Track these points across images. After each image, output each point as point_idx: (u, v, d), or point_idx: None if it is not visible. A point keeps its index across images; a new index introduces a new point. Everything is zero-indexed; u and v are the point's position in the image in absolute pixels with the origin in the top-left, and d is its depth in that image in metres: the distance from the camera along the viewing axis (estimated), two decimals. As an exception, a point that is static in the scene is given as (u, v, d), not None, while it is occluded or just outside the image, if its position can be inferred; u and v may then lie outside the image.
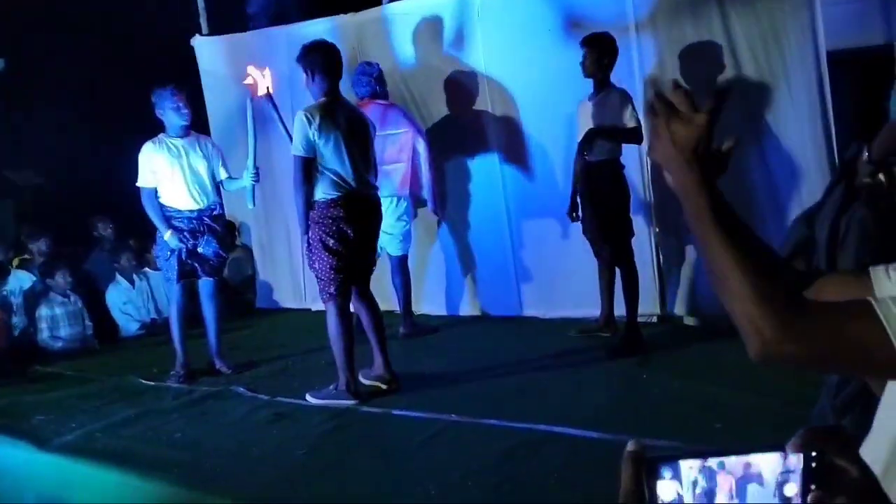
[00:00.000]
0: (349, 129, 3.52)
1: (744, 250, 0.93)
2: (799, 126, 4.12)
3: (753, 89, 4.22)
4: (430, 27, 5.18)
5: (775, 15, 4.09)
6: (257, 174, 4.21)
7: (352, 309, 3.70)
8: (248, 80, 4.08)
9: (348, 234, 3.51)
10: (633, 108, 4.04)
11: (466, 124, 5.11)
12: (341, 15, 5.56)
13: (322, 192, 3.49)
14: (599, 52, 4.05)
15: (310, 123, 3.43)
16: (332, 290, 3.53)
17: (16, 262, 6.02)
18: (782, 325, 0.89)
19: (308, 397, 3.64)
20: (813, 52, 4.03)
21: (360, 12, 5.48)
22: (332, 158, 3.47)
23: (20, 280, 5.73)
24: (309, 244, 3.56)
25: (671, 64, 4.36)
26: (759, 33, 4.15)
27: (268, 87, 4.02)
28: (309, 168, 3.47)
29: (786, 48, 4.09)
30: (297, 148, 3.47)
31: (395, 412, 3.39)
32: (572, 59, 4.24)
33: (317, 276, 3.58)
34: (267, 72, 4.09)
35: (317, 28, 5.61)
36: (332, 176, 3.48)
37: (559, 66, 4.67)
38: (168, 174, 4.18)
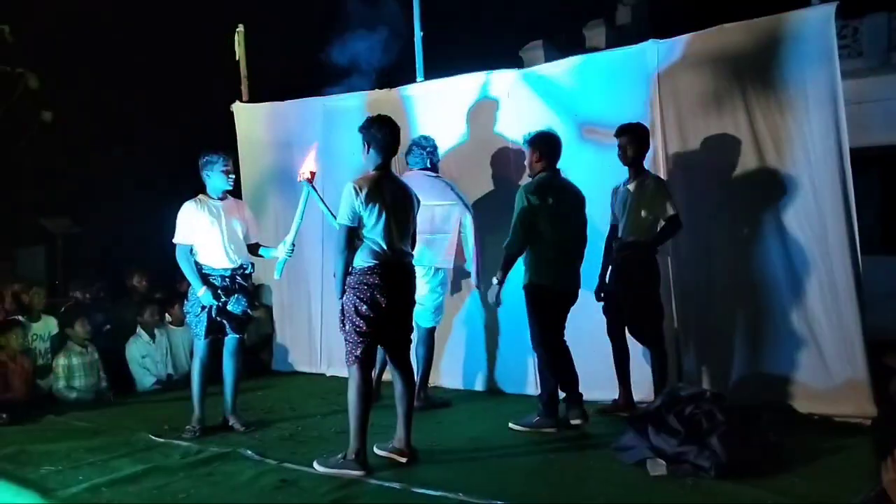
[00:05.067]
0: (393, 201, 3.65)
1: None
2: (821, 220, 4.12)
3: (777, 183, 4.26)
4: (461, 105, 5.32)
5: (799, 111, 4.17)
6: (293, 250, 4.36)
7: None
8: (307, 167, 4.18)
9: (381, 301, 3.57)
10: (671, 197, 4.21)
11: (505, 200, 5.16)
12: (377, 90, 5.74)
13: (361, 259, 3.60)
14: (631, 140, 4.25)
15: (357, 195, 3.57)
16: (357, 353, 3.59)
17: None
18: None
19: (316, 465, 3.60)
20: (836, 148, 4.07)
21: (395, 88, 5.67)
22: (374, 229, 3.58)
23: (49, 325, 5.83)
24: (342, 308, 3.63)
25: (694, 155, 4.43)
26: (783, 128, 4.22)
27: (311, 172, 4.13)
28: (351, 237, 3.61)
29: (809, 143, 4.14)
30: (343, 217, 3.60)
31: (402, 487, 3.33)
32: (600, 147, 4.33)
33: (345, 339, 3.64)
34: (312, 153, 4.23)
35: (353, 102, 5.81)
36: (372, 245, 3.59)
37: (588, 157, 4.75)
38: (207, 234, 4.32)
